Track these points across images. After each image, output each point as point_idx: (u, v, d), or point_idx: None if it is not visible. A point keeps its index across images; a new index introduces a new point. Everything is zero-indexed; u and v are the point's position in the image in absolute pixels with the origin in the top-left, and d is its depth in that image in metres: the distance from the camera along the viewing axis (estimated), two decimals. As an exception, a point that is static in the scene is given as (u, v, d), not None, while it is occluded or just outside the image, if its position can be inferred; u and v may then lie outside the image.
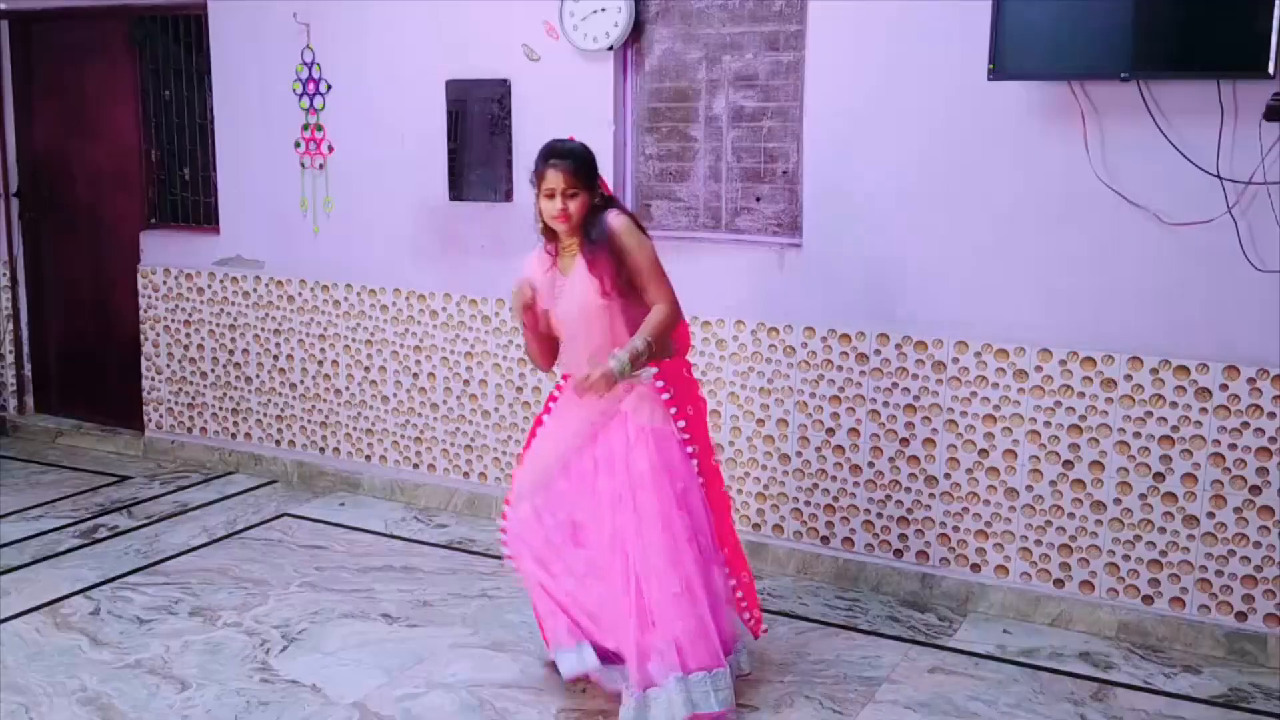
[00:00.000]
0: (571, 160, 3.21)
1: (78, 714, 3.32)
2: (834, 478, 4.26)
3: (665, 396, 3.28)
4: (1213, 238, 3.58)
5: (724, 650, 3.29)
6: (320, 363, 5.33)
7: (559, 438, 3.39)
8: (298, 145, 5.21)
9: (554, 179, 3.20)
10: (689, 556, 3.24)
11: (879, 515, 4.20)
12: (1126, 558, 3.83)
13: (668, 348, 3.32)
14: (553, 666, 3.50)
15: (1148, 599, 3.82)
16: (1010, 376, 3.92)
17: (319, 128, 5.15)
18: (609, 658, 3.35)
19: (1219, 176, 3.53)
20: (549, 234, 3.34)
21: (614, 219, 3.25)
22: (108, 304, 6.05)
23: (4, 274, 6.22)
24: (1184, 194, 3.59)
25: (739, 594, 3.44)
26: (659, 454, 3.25)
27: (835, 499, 4.27)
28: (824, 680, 3.55)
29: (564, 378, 3.47)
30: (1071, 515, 3.89)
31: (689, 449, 3.32)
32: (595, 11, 4.37)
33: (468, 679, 3.53)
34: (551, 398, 3.53)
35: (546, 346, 3.41)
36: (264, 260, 5.41)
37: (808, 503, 4.32)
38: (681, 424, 3.30)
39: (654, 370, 3.26)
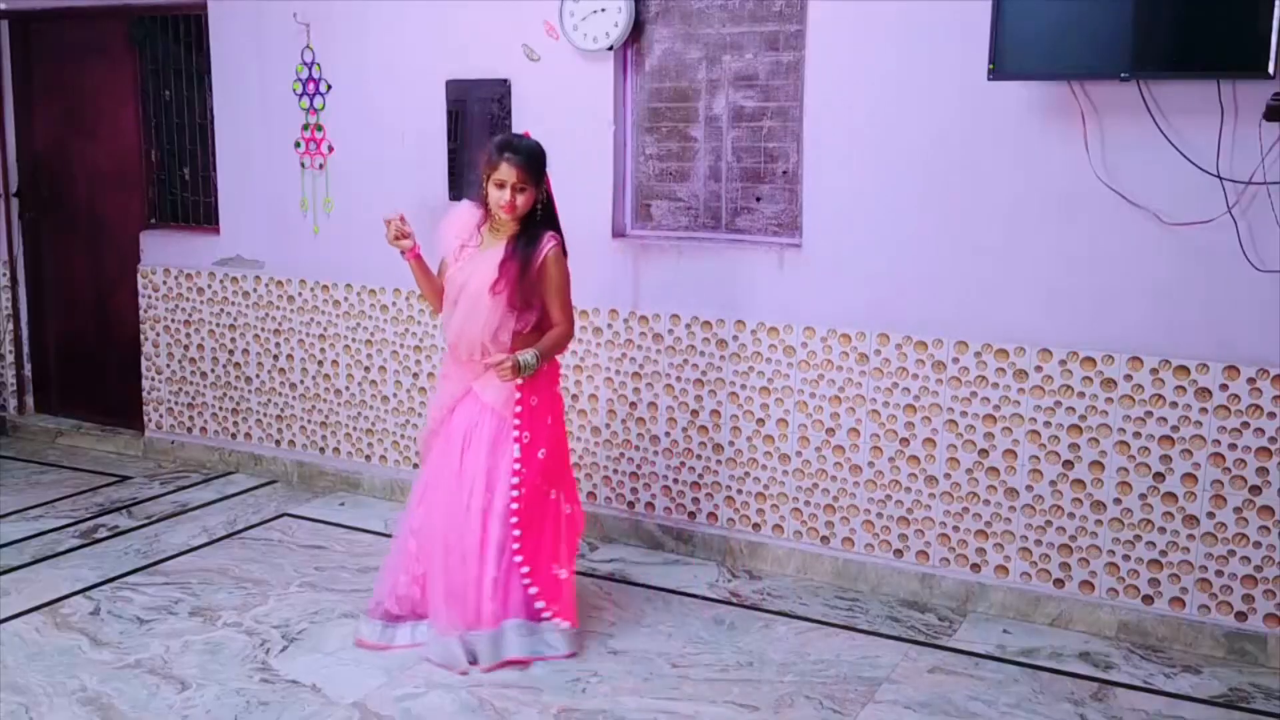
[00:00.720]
0: (525, 158, 3.46)
1: (78, 714, 3.32)
2: (834, 478, 4.26)
3: (516, 383, 3.53)
4: (1213, 238, 3.58)
5: (486, 622, 3.54)
6: (320, 363, 5.33)
7: (438, 403, 3.68)
8: (298, 145, 5.21)
9: (506, 172, 3.45)
10: (473, 528, 3.52)
11: (879, 515, 4.20)
12: (1126, 558, 3.83)
13: (550, 356, 3.61)
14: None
15: (1148, 599, 3.82)
16: (1010, 376, 3.92)
17: (319, 128, 5.15)
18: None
19: (1219, 176, 3.53)
20: (487, 207, 3.57)
21: (547, 246, 3.52)
22: (108, 304, 6.05)
23: (4, 274, 6.22)
24: (1184, 194, 3.59)
25: (533, 593, 3.62)
26: (492, 432, 3.54)
27: (835, 499, 4.27)
28: (824, 680, 3.55)
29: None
30: (1071, 515, 3.89)
31: (515, 434, 3.56)
32: (595, 11, 4.37)
33: (468, 679, 3.53)
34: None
35: (431, 284, 3.71)
36: (264, 260, 5.41)
37: (808, 503, 4.32)
38: (518, 409, 3.55)
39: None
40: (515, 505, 3.55)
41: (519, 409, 3.55)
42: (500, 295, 3.47)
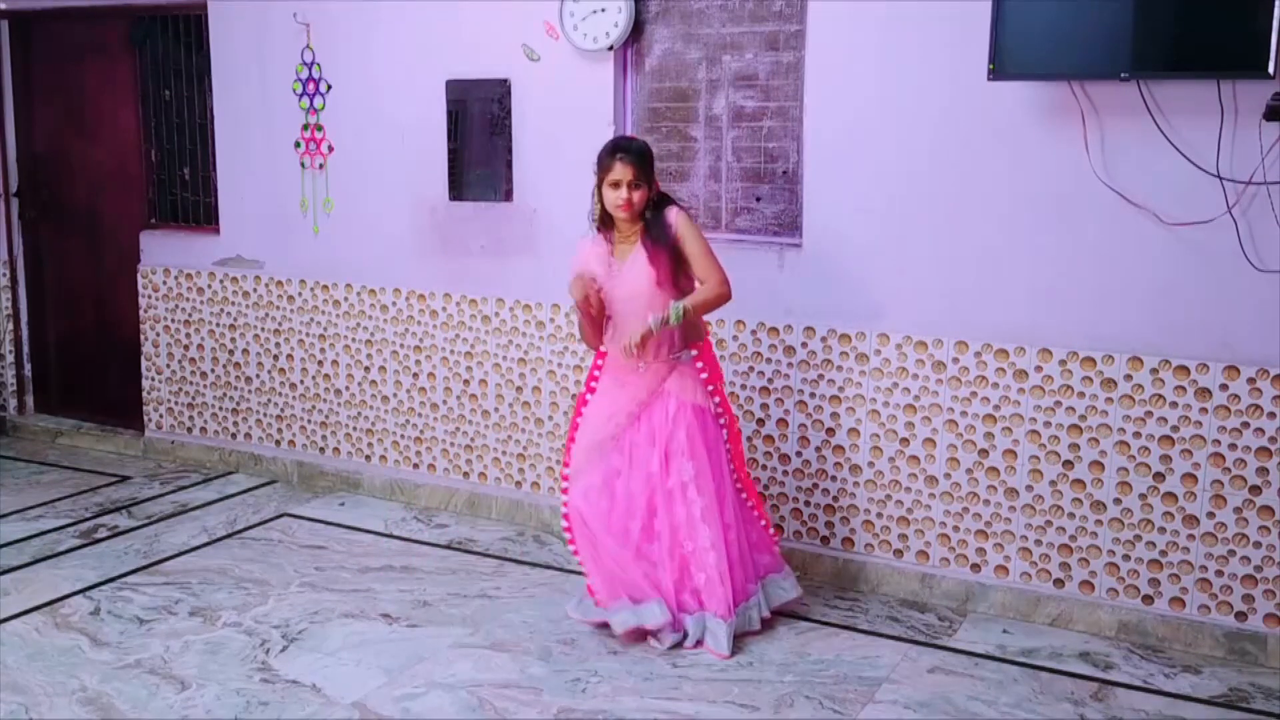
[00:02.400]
0: (637, 156, 3.63)
1: (78, 714, 3.32)
2: (834, 478, 4.26)
3: (703, 376, 3.75)
4: (1212, 237, 3.58)
5: (734, 604, 3.72)
6: (320, 363, 5.33)
7: (610, 413, 3.76)
8: (298, 145, 5.21)
9: (621, 171, 3.60)
10: (715, 518, 3.69)
11: (879, 515, 4.20)
12: (1126, 558, 3.83)
13: (699, 330, 3.77)
14: (604, 625, 3.80)
15: (1148, 599, 3.82)
16: (1010, 376, 3.92)
17: (319, 128, 5.15)
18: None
19: (1219, 176, 3.53)
20: (605, 222, 3.73)
21: (674, 216, 3.66)
22: (108, 304, 6.05)
23: (4, 274, 6.22)
24: (1184, 194, 3.59)
25: (770, 530, 3.96)
26: (698, 428, 3.70)
27: (835, 499, 4.27)
28: (824, 680, 3.55)
29: (600, 355, 3.84)
30: (1071, 515, 3.89)
31: (720, 421, 3.79)
32: (595, 11, 4.37)
33: (468, 679, 3.53)
34: (592, 375, 3.87)
35: (599, 327, 3.78)
36: (264, 260, 5.41)
37: (808, 503, 4.32)
38: (716, 400, 3.79)
39: (694, 353, 3.74)
40: (740, 487, 3.84)
41: (716, 399, 3.79)
42: (664, 286, 3.63)
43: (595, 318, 3.73)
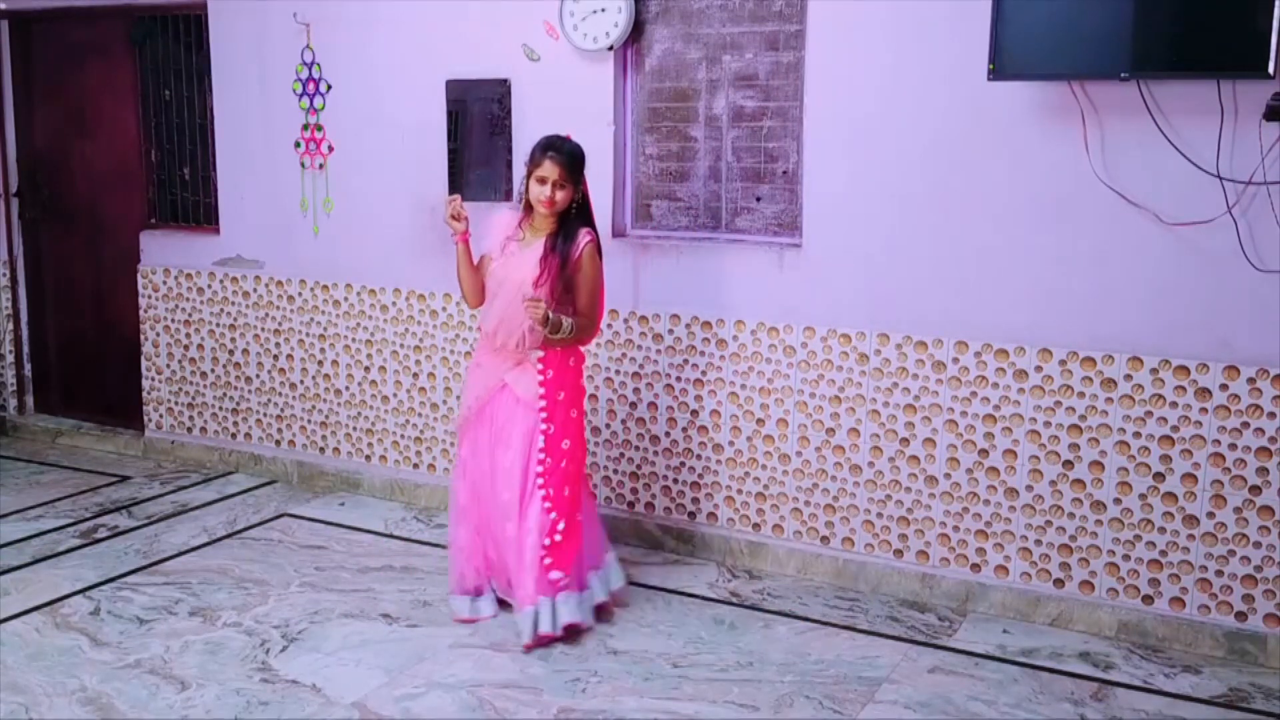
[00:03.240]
0: (567, 157, 3.71)
1: (78, 714, 3.32)
2: (834, 478, 4.26)
3: (540, 378, 3.78)
4: (1212, 237, 3.58)
5: (529, 599, 3.73)
6: (320, 363, 5.33)
7: (475, 392, 3.89)
8: (298, 145, 5.21)
9: (549, 169, 3.68)
10: (515, 513, 3.77)
11: (879, 515, 4.20)
12: (1126, 558, 3.83)
13: (552, 342, 3.77)
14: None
15: (1148, 599, 3.82)
16: (1010, 376, 3.92)
17: (319, 128, 5.15)
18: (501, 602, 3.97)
19: (1219, 176, 3.53)
20: (528, 207, 3.81)
21: (584, 241, 3.74)
22: (108, 304, 6.05)
23: (4, 274, 6.22)
24: (1184, 194, 3.59)
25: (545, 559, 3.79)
26: (523, 421, 3.78)
27: (835, 499, 4.27)
28: (824, 680, 3.55)
29: (478, 328, 3.94)
30: (1071, 515, 3.89)
31: (543, 425, 3.77)
32: (595, 11, 4.37)
33: (468, 679, 3.53)
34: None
35: (476, 283, 3.89)
36: (264, 260, 5.41)
37: (808, 503, 4.32)
38: (543, 403, 3.77)
39: (540, 353, 3.78)
40: (544, 494, 3.76)
41: (544, 402, 3.77)
42: (542, 289, 3.70)
43: (473, 267, 3.86)
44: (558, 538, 3.74)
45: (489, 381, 3.84)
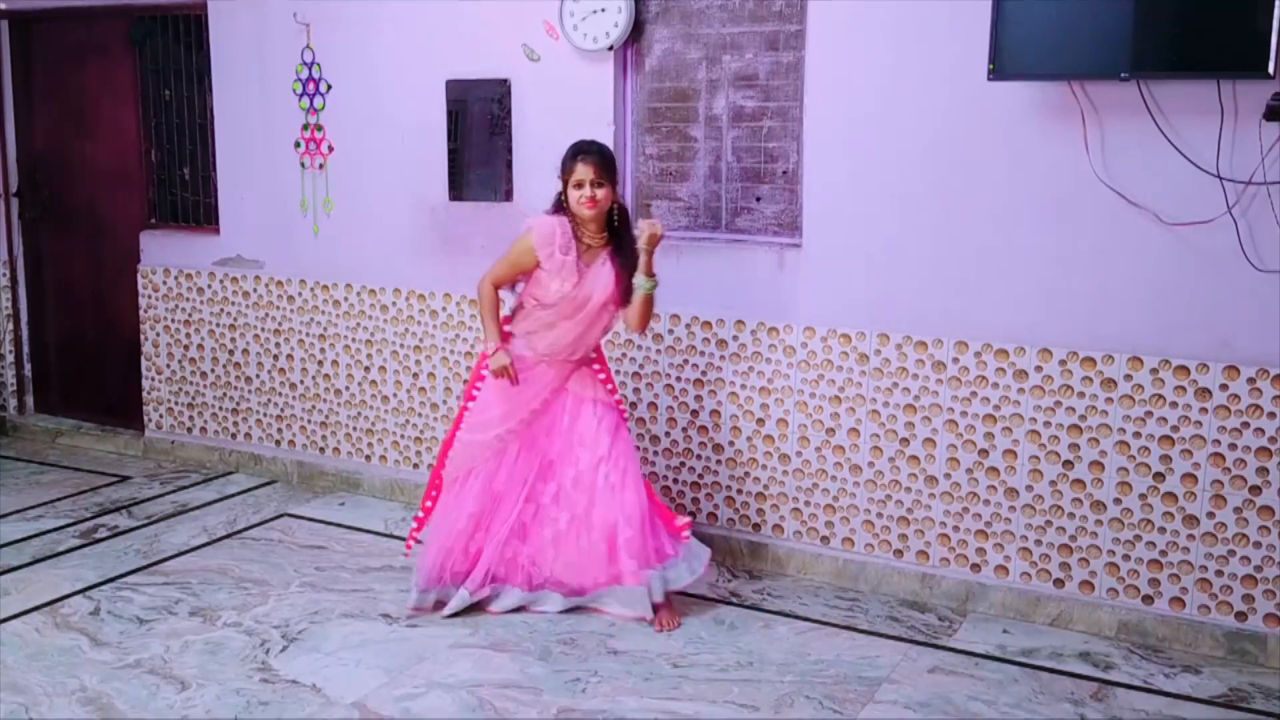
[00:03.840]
0: (598, 156, 3.79)
1: (78, 714, 3.32)
2: (834, 478, 4.26)
3: (602, 375, 4.00)
4: (1212, 238, 3.58)
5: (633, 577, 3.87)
6: (320, 363, 5.33)
7: (505, 412, 3.93)
8: (298, 145, 5.22)
9: (583, 171, 3.76)
10: (625, 493, 3.87)
11: (879, 515, 4.20)
12: (1126, 558, 3.83)
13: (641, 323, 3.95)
14: (434, 603, 3.96)
15: (1148, 599, 3.82)
16: (1010, 376, 3.92)
17: (319, 128, 5.15)
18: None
19: (1219, 176, 3.53)
20: (574, 223, 3.85)
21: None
22: (108, 304, 6.05)
23: (4, 274, 6.22)
24: (1184, 194, 3.59)
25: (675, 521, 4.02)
26: (595, 417, 3.90)
27: (835, 499, 4.27)
28: (824, 680, 3.55)
29: (484, 357, 3.98)
30: (1071, 515, 3.89)
31: (615, 414, 3.97)
32: (595, 11, 4.37)
33: (468, 679, 3.53)
34: (478, 375, 4.01)
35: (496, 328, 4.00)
36: (264, 260, 5.41)
37: (808, 503, 4.32)
38: (613, 397, 4.01)
39: (593, 354, 3.98)
40: (635, 475, 3.92)
41: (613, 397, 4.00)
42: (615, 306, 3.88)
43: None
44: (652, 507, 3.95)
45: (542, 392, 3.93)
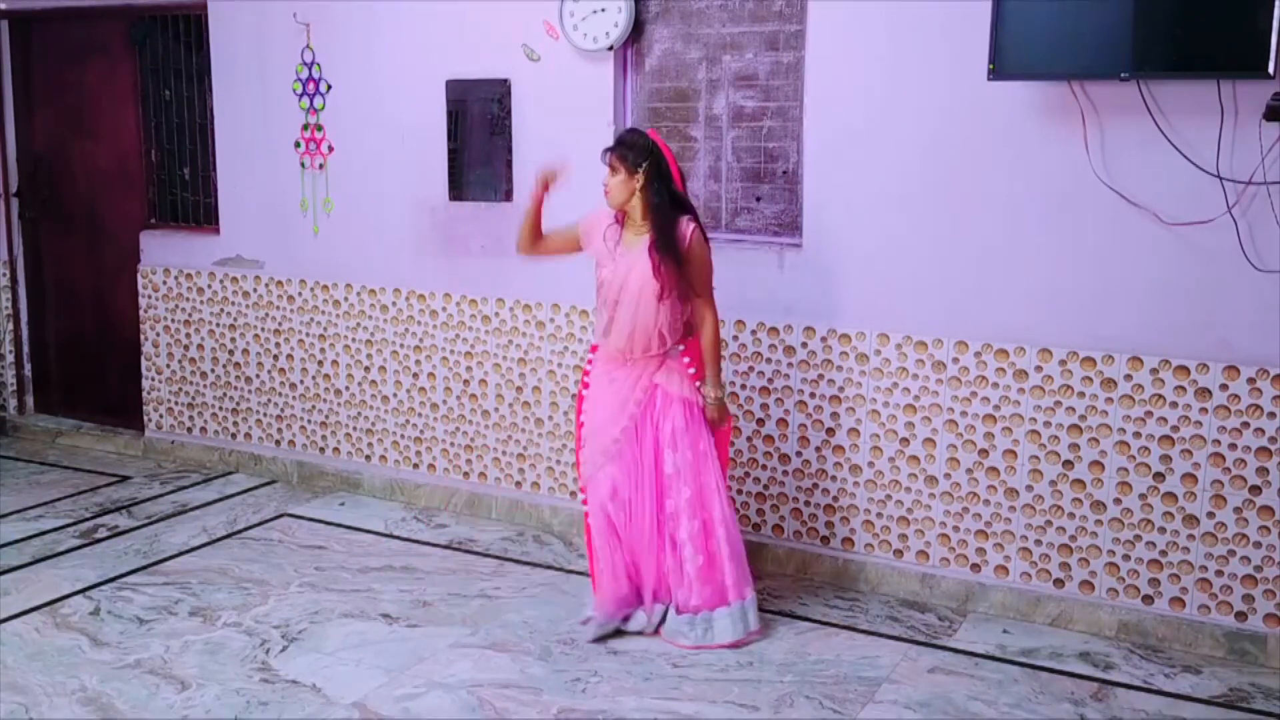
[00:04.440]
0: (616, 144, 3.71)
1: (78, 714, 3.32)
2: (834, 478, 4.26)
3: (691, 371, 3.77)
4: (1212, 237, 3.58)
5: (716, 602, 3.76)
6: (320, 363, 5.33)
7: (606, 417, 3.78)
8: (298, 145, 5.22)
9: (608, 163, 3.68)
10: (698, 510, 3.74)
11: (879, 515, 4.20)
12: (1126, 558, 3.83)
13: (691, 328, 3.79)
14: (602, 626, 3.82)
15: (1148, 599, 3.82)
16: (1010, 376, 3.92)
17: (319, 128, 5.15)
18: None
19: (1219, 176, 3.53)
20: (622, 213, 3.76)
21: (689, 231, 3.65)
22: (108, 304, 6.05)
23: (4, 274, 6.22)
24: (1184, 194, 3.59)
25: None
26: (688, 419, 3.74)
27: (835, 499, 4.27)
28: (824, 680, 3.55)
29: (593, 349, 3.88)
30: (1071, 515, 3.89)
31: (702, 416, 3.78)
32: (595, 11, 4.37)
33: (468, 679, 3.53)
34: (586, 372, 3.89)
35: (537, 229, 3.85)
36: (264, 260, 5.41)
37: (808, 503, 4.32)
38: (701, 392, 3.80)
39: (681, 347, 3.76)
40: (726, 485, 3.82)
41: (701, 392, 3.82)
42: (667, 299, 3.66)
43: (538, 211, 3.80)
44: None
45: (635, 393, 3.75)
